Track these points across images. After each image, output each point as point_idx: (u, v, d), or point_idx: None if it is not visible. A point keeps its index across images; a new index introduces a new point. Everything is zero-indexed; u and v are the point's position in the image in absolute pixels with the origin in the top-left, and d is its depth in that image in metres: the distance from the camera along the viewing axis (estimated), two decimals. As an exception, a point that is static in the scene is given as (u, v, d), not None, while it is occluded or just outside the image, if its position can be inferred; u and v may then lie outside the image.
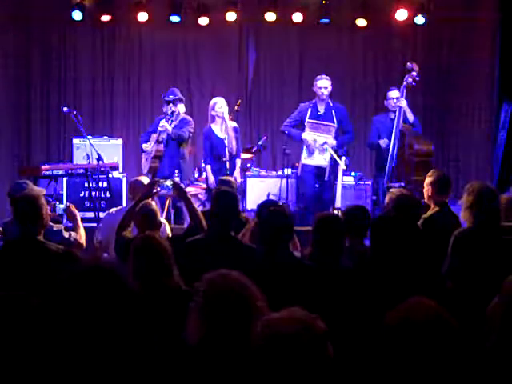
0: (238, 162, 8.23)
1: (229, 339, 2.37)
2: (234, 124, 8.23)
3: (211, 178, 7.98)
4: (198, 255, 4.06)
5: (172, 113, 8.01)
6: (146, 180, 5.95)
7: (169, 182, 5.11)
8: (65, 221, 6.15)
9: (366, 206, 8.54)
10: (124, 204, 8.39)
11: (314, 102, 8.23)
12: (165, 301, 3.42)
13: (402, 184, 7.43)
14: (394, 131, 7.82)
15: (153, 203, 5.03)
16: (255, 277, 2.54)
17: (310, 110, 8.15)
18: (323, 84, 8.12)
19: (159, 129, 7.97)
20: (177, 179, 7.82)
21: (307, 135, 8.08)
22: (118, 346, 2.08)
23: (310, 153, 8.10)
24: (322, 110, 8.17)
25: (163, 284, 3.53)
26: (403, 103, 7.89)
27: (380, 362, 2.06)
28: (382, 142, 7.98)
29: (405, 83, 7.95)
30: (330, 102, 8.20)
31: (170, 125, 7.93)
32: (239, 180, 8.23)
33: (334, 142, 8.02)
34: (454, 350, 2.04)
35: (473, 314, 3.12)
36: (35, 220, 4.11)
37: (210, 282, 2.46)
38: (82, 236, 5.00)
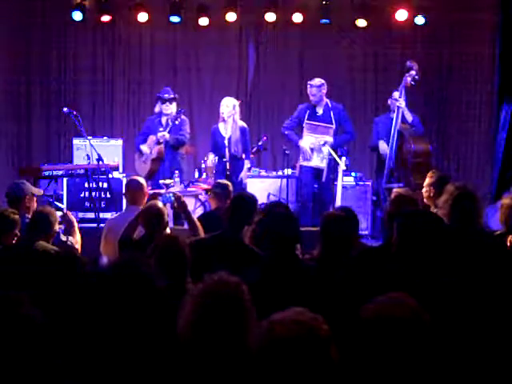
0: (246, 163, 8.21)
1: (217, 343, 2.30)
2: (242, 124, 8.19)
3: None
4: (202, 256, 4.02)
5: (174, 124, 7.98)
6: (141, 180, 5.93)
7: (171, 193, 5.22)
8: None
9: (366, 206, 8.67)
10: (124, 205, 8.38)
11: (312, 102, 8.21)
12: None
13: (401, 185, 7.40)
14: (392, 131, 7.80)
15: (160, 203, 5.04)
16: (261, 281, 2.52)
17: (308, 111, 8.13)
18: (311, 91, 8.07)
19: (159, 138, 7.97)
20: (177, 179, 7.84)
21: (304, 143, 8.04)
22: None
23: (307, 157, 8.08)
24: (320, 110, 8.14)
25: (179, 287, 3.39)
26: (402, 104, 7.83)
27: (357, 356, 2.07)
28: (381, 146, 7.93)
29: (403, 83, 7.88)
30: (328, 102, 8.18)
31: (167, 130, 7.94)
32: (245, 181, 8.20)
33: (331, 140, 7.97)
34: (426, 349, 2.05)
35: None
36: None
37: (205, 285, 2.43)
38: (78, 241, 5.16)
